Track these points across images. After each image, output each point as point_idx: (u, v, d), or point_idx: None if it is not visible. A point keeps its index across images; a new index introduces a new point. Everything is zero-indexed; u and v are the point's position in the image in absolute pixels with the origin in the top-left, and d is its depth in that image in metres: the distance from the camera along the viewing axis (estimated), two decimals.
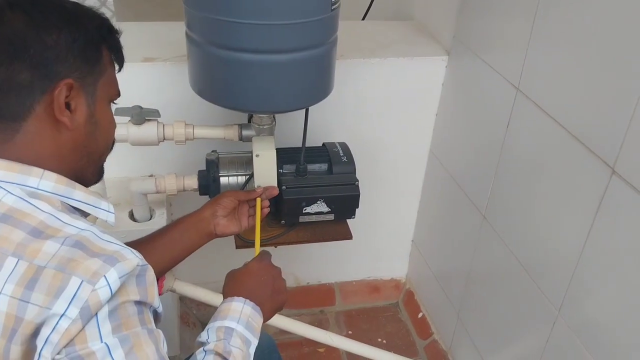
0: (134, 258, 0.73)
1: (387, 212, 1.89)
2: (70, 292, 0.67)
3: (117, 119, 1.19)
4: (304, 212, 1.39)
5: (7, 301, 0.68)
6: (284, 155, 1.41)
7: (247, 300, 0.97)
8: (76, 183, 0.81)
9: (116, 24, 0.87)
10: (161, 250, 1.17)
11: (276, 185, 1.36)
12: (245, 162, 1.41)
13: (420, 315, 1.90)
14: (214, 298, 1.39)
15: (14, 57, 0.74)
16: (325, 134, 1.65)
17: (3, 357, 0.68)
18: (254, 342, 0.94)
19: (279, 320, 1.50)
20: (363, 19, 1.93)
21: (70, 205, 0.80)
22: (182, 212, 1.67)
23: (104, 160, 0.91)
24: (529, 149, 1.28)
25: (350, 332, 1.89)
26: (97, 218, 0.86)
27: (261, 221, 1.26)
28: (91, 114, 0.82)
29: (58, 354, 0.67)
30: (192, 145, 1.44)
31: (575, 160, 1.13)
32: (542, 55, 1.22)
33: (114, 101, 0.89)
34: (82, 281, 0.68)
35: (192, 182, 1.42)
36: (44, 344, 0.67)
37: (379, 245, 1.95)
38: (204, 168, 1.42)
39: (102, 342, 0.69)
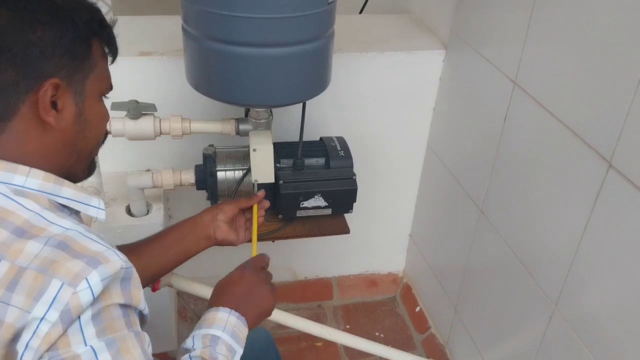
0: (118, 260, 0.71)
1: (384, 207, 1.89)
2: (50, 294, 0.66)
3: (113, 113, 1.20)
4: (301, 206, 1.39)
5: None
6: (281, 150, 1.41)
7: (233, 311, 0.96)
8: (65, 180, 0.79)
9: (110, 14, 0.85)
10: (158, 253, 1.15)
11: (273, 178, 1.35)
12: (243, 157, 1.41)
13: (417, 309, 1.91)
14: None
15: None
16: (323, 128, 1.64)
17: None
18: (239, 352, 0.93)
19: (277, 315, 1.50)
20: (360, 12, 1.92)
21: (59, 203, 0.78)
22: (178, 206, 1.69)
23: (95, 155, 0.89)
24: (526, 142, 1.28)
25: (348, 327, 1.89)
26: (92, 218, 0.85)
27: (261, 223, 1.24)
28: (79, 112, 0.79)
29: (40, 358, 0.66)
30: (188, 139, 1.44)
31: (572, 154, 1.13)
32: (539, 49, 1.22)
33: (106, 95, 0.86)
34: (62, 284, 0.66)
35: (189, 177, 1.42)
36: (25, 349, 0.66)
37: (377, 240, 1.95)
38: (201, 163, 1.42)
39: (86, 345, 0.68)
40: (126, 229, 1.44)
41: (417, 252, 1.93)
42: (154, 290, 1.25)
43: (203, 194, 1.45)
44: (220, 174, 1.39)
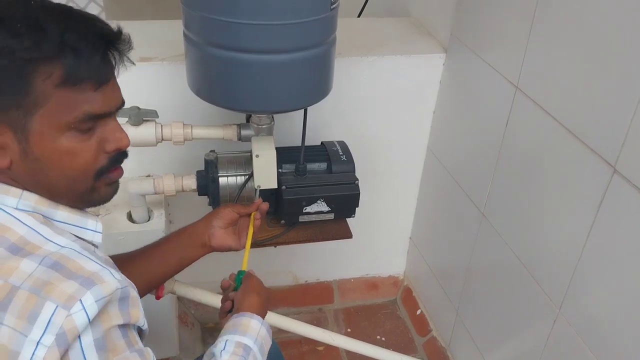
0: (113, 280, 0.70)
1: (384, 210, 1.89)
2: (44, 318, 0.65)
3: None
4: (304, 211, 1.39)
5: None
6: (283, 155, 1.41)
7: (264, 322, 0.97)
8: (60, 205, 0.77)
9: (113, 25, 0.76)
10: (156, 262, 1.15)
11: (276, 184, 1.35)
12: (245, 162, 1.40)
13: (418, 312, 1.91)
14: (215, 300, 1.39)
15: None
16: (323, 133, 1.64)
17: None
18: None
19: (280, 321, 1.50)
20: (359, 16, 1.92)
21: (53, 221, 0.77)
22: (180, 212, 1.68)
23: (90, 187, 0.79)
24: (529, 147, 1.28)
25: (349, 330, 1.89)
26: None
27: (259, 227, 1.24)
28: (25, 151, 0.71)
29: None
30: (190, 145, 1.43)
31: (576, 159, 1.13)
32: (541, 53, 1.22)
33: (85, 128, 0.74)
34: (56, 306, 0.66)
35: (191, 183, 1.42)
36: None
37: (377, 243, 1.95)
38: (202, 168, 1.41)
39: None
40: (127, 235, 1.43)
41: (417, 255, 1.93)
42: (157, 298, 1.25)
43: (204, 199, 1.44)
44: (222, 180, 1.39)
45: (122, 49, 0.77)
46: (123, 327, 0.72)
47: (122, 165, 0.84)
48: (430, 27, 1.73)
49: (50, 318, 0.65)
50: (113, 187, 0.84)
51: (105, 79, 0.74)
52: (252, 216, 1.21)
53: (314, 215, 1.41)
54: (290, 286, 1.95)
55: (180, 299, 1.86)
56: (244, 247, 1.19)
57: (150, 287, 1.16)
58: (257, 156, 1.31)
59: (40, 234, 0.72)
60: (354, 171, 1.43)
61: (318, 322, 1.90)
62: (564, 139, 1.15)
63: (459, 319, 1.68)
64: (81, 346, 0.67)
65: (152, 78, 1.47)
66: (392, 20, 1.83)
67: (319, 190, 1.38)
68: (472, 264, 1.58)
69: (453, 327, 1.72)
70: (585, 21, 1.08)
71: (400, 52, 1.61)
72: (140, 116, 1.32)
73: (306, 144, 1.40)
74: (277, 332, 1.62)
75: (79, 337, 0.67)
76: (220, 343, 0.90)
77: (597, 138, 1.07)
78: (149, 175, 1.62)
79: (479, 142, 1.49)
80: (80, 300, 0.66)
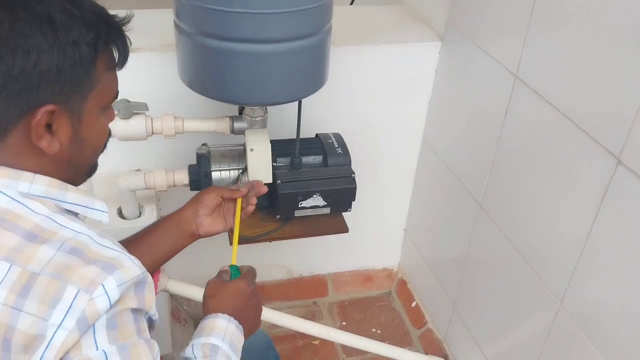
0: (133, 266, 0.71)
1: (379, 201, 1.86)
2: (66, 302, 0.65)
3: None
4: (299, 206, 1.36)
5: None
6: (278, 148, 1.37)
7: (232, 319, 0.94)
8: (68, 185, 0.78)
9: (121, 13, 0.80)
10: (142, 253, 1.09)
11: (271, 178, 1.32)
12: (238, 155, 1.37)
13: (413, 304, 1.89)
14: None
15: None
16: (317, 124, 1.61)
17: None
18: None
19: (274, 316, 1.47)
20: (351, 3, 1.88)
21: (64, 208, 0.77)
22: (170, 207, 1.62)
23: (95, 163, 0.87)
24: (529, 137, 1.26)
25: (344, 323, 1.87)
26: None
27: (249, 217, 1.20)
28: (76, 133, 0.76)
29: None
30: (182, 138, 1.39)
31: (579, 150, 1.11)
32: (542, 40, 1.19)
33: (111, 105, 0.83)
34: (78, 290, 0.66)
35: (183, 177, 1.38)
36: (42, 358, 0.65)
37: (371, 235, 1.92)
38: (194, 162, 1.37)
39: (97, 349, 0.67)
40: (118, 232, 1.38)
41: (412, 247, 1.91)
42: None
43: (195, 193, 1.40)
44: (215, 174, 1.35)
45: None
46: (135, 311, 0.72)
47: (111, 158, 0.92)
48: (425, 15, 1.70)
49: (72, 302, 0.65)
50: None
51: (124, 64, 0.83)
52: (238, 202, 1.17)
53: (309, 210, 1.38)
54: (284, 280, 1.92)
55: (173, 296, 1.82)
56: (231, 227, 1.18)
57: None
58: (251, 150, 1.27)
59: (55, 221, 0.71)
60: (350, 164, 1.40)
61: (313, 316, 1.88)
62: (566, 129, 1.13)
63: (455, 312, 1.66)
64: (94, 326, 0.67)
65: (142, 69, 1.43)
66: (385, 8, 1.79)
67: (314, 185, 1.35)
68: (469, 256, 1.56)
69: (449, 319, 1.70)
70: (590, 6, 1.05)
71: (394, 41, 1.58)
72: (130, 109, 1.28)
73: (300, 136, 1.37)
74: (271, 327, 1.61)
75: None
76: (187, 349, 0.89)
77: (600, 128, 1.05)
78: (139, 170, 1.58)
79: (477, 133, 1.47)
80: (103, 284, 0.67)
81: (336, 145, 1.42)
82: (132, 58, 1.40)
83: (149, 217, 1.44)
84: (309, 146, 1.41)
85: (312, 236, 1.43)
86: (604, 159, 1.04)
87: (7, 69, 0.68)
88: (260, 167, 1.29)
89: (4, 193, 0.72)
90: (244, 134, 1.33)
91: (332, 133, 1.47)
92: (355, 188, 1.37)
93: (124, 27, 0.80)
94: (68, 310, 0.65)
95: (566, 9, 1.11)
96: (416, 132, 1.74)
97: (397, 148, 1.76)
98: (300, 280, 1.94)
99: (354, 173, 1.38)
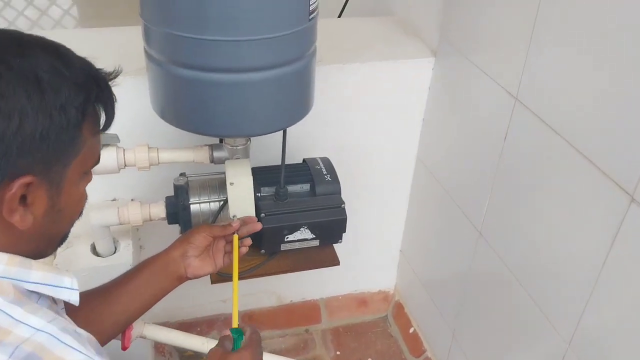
0: None
1: (372, 222, 1.77)
2: None
3: None
4: (285, 240, 1.27)
5: None
6: (261, 176, 1.28)
7: None
8: (32, 261, 0.69)
9: (116, 69, 0.74)
10: (127, 298, 1.04)
11: (254, 213, 1.22)
12: (219, 185, 1.27)
13: (411, 330, 1.80)
14: (190, 341, 1.26)
15: None
16: (304, 147, 1.51)
17: None
18: None
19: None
20: (339, 16, 1.78)
21: (26, 289, 0.67)
22: (151, 238, 1.55)
23: (69, 231, 0.79)
24: (532, 166, 1.16)
25: (338, 353, 1.78)
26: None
27: (239, 258, 1.12)
28: (52, 204, 0.68)
29: None
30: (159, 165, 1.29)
31: (588, 183, 1.01)
32: (546, 59, 1.09)
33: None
34: None
35: (159, 211, 1.28)
36: None
37: (365, 257, 1.83)
38: (172, 192, 1.28)
39: None
40: (91, 271, 1.30)
41: (408, 269, 1.81)
42: (124, 348, 1.12)
43: (176, 227, 1.31)
44: (194, 207, 1.26)
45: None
46: None
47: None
48: (417, 28, 1.60)
49: None
50: None
51: (110, 124, 0.75)
52: (235, 239, 1.10)
53: (297, 243, 1.29)
54: (274, 307, 1.83)
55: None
56: (221, 268, 1.11)
57: (127, 322, 1.07)
58: (231, 184, 1.18)
59: (10, 316, 0.62)
60: (340, 192, 1.30)
61: (305, 345, 1.79)
62: (574, 161, 1.03)
63: (455, 341, 1.57)
64: None
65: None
66: (375, 20, 1.70)
67: (301, 217, 1.25)
68: (468, 284, 1.47)
69: (449, 349, 1.61)
70: (600, 22, 0.95)
71: (384, 58, 1.48)
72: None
73: (287, 161, 1.27)
74: None
75: None
76: None
77: (612, 162, 0.96)
78: (114, 199, 1.48)
79: (474, 157, 1.38)
80: None
81: (324, 172, 1.33)
82: (122, 71, 1.33)
83: (125, 253, 1.34)
84: (296, 173, 1.32)
85: (299, 270, 1.34)
86: (614, 193, 0.95)
87: None
88: (242, 201, 1.20)
89: None
90: (224, 163, 1.24)
91: (320, 158, 1.37)
92: (345, 219, 1.28)
93: (111, 82, 0.74)
94: None
95: (574, 23, 1.01)
96: (410, 151, 1.65)
97: (390, 167, 1.67)
98: (291, 307, 1.84)
99: (343, 203, 1.28)
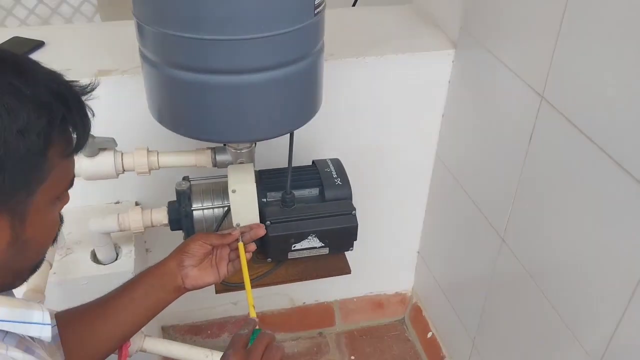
0: None
1: (389, 222, 1.69)
2: None
3: None
4: (292, 249, 1.19)
5: None
6: (267, 180, 1.21)
7: None
8: None
9: (93, 79, 0.67)
10: (122, 312, 0.98)
11: (258, 220, 1.15)
12: (223, 190, 1.20)
13: (429, 334, 1.72)
14: (193, 353, 1.20)
15: None
16: (315, 146, 1.44)
17: None
18: None
19: None
20: (354, 4, 1.69)
21: None
22: (158, 241, 1.49)
23: (40, 260, 0.72)
24: (560, 171, 1.07)
25: (353, 358, 1.71)
26: None
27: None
28: (16, 236, 0.61)
29: None
30: None
31: (620, 191, 0.92)
32: (576, 55, 0.99)
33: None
34: None
35: (162, 217, 1.22)
36: None
37: (382, 257, 1.75)
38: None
39: None
40: (92, 279, 1.24)
41: (426, 271, 1.73)
42: None
43: (180, 234, 1.24)
44: (197, 213, 1.19)
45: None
46: None
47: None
48: (436, 17, 1.50)
49: None
50: None
51: (82, 146, 0.67)
52: (241, 247, 1.04)
53: (305, 252, 1.21)
54: (287, 309, 1.77)
55: (165, 330, 1.68)
56: (225, 278, 1.05)
57: (125, 337, 1.00)
58: (233, 191, 1.11)
59: None
60: (351, 197, 1.22)
61: (318, 349, 1.73)
62: (605, 166, 0.94)
63: (475, 350, 1.49)
64: None
65: (111, 95, 1.26)
66: (391, 9, 1.60)
67: (309, 225, 1.17)
68: (490, 294, 1.38)
69: (469, 357, 1.53)
70: (633, 20, 0.85)
71: (401, 50, 1.39)
72: (95, 146, 1.12)
73: (296, 163, 1.20)
74: None
75: None
76: None
77: None
78: (117, 202, 1.43)
79: (498, 158, 1.28)
80: None
81: (335, 175, 1.24)
82: (101, 83, 1.26)
83: (126, 260, 1.29)
84: (304, 177, 1.23)
85: (308, 279, 1.27)
86: None
87: None
88: (245, 209, 1.13)
89: None
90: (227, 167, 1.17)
91: (330, 159, 1.29)
92: (356, 227, 1.20)
93: (85, 97, 0.66)
94: None
95: (606, 19, 0.91)
96: (429, 148, 1.56)
97: (408, 164, 1.58)
98: (304, 309, 1.78)
99: (354, 209, 1.20)
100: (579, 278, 1.05)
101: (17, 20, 2.31)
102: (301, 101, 1.05)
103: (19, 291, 1.09)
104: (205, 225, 1.20)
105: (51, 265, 1.17)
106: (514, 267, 1.25)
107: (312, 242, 1.19)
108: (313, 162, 1.29)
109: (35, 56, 1.30)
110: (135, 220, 1.20)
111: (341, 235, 1.20)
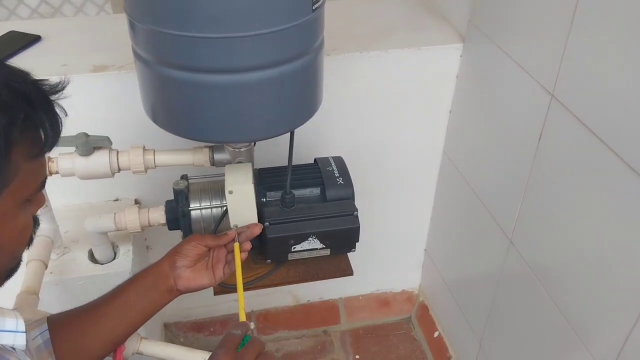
0: None
1: (395, 219, 1.65)
2: None
3: (60, 149, 0.98)
4: (293, 250, 1.16)
5: None
6: (267, 179, 1.17)
7: None
8: None
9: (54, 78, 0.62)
10: (114, 315, 0.95)
11: (256, 221, 1.12)
12: (221, 190, 1.16)
13: (436, 334, 1.68)
14: (190, 356, 1.18)
15: None
16: (318, 144, 1.40)
17: None
18: None
19: None
20: None
21: None
22: (159, 237, 1.46)
23: (16, 263, 0.69)
24: (571, 172, 1.02)
25: (357, 357, 1.68)
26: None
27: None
28: None
29: None
30: None
31: (634, 195, 0.87)
32: (588, 52, 0.94)
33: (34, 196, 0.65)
34: None
35: (159, 216, 1.19)
36: None
37: (388, 255, 1.72)
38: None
39: None
40: (89, 279, 1.22)
41: (433, 269, 1.69)
42: None
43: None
44: (195, 213, 1.16)
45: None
46: None
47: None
48: (443, 9, 1.45)
49: None
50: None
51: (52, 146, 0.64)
52: (236, 248, 1.00)
53: (305, 253, 1.18)
54: (291, 307, 1.74)
55: (167, 327, 1.66)
56: (221, 280, 1.01)
57: (118, 341, 0.97)
58: (230, 192, 1.07)
59: None
60: (353, 198, 1.18)
61: (323, 347, 1.70)
62: (617, 170, 0.89)
63: (482, 352, 1.45)
64: None
65: (106, 92, 1.23)
66: (397, 1, 1.55)
67: (309, 226, 1.14)
68: (497, 296, 1.34)
69: (476, 358, 1.50)
70: None
71: (407, 44, 1.34)
72: (90, 144, 1.09)
73: (297, 160, 1.16)
74: None
75: None
76: None
77: None
78: (117, 199, 1.40)
79: (506, 157, 1.24)
80: None
81: (337, 175, 1.21)
82: (96, 79, 1.23)
83: (124, 260, 1.27)
84: (305, 176, 1.20)
85: (309, 281, 1.23)
86: None
87: None
88: (243, 210, 1.09)
89: None
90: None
91: (332, 157, 1.25)
92: (358, 228, 1.16)
93: (55, 96, 0.63)
94: None
95: (620, 14, 0.86)
96: (435, 145, 1.52)
97: (414, 161, 1.54)
98: (308, 307, 1.75)
99: (356, 210, 1.16)
100: (588, 281, 1.01)
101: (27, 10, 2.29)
102: (299, 100, 1.01)
103: (12, 292, 1.07)
104: (203, 225, 1.17)
105: (46, 266, 1.15)
106: (522, 268, 1.21)
107: (313, 243, 1.16)
108: (315, 160, 1.25)
109: (31, 51, 1.29)
110: (132, 220, 1.18)
111: (342, 237, 1.17)
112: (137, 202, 1.42)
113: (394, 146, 1.49)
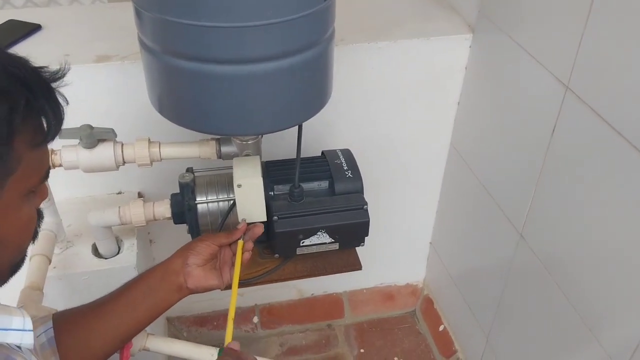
0: None
1: (401, 212, 1.63)
2: None
3: (63, 141, 0.96)
4: (301, 244, 1.14)
5: None
6: (275, 172, 1.15)
7: None
8: None
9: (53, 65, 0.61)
10: (121, 313, 0.93)
11: (265, 217, 1.10)
12: (228, 183, 1.15)
13: (441, 328, 1.67)
14: (197, 352, 1.16)
15: None
16: (325, 136, 1.38)
17: None
18: None
19: None
20: None
21: None
22: (163, 231, 1.44)
23: (21, 258, 0.67)
24: (586, 166, 1.00)
25: (362, 351, 1.67)
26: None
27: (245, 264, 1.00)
28: None
29: None
30: None
31: None
32: (605, 42, 0.92)
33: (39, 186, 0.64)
34: None
35: (164, 210, 1.17)
36: None
37: (393, 248, 1.70)
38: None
39: None
40: (93, 274, 1.20)
41: (439, 262, 1.68)
42: None
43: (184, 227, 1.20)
44: (202, 207, 1.14)
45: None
46: None
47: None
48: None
49: None
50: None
51: (55, 134, 0.63)
52: (239, 247, 0.98)
53: (314, 247, 1.16)
54: (295, 300, 1.72)
55: (170, 321, 1.65)
56: (228, 283, 0.98)
57: (125, 339, 0.96)
58: (239, 186, 1.05)
59: None
60: (362, 191, 1.17)
61: (327, 341, 1.68)
62: (634, 160, 0.88)
63: (489, 347, 1.44)
64: None
65: (110, 84, 1.21)
66: None
67: (318, 220, 1.12)
68: (506, 290, 1.33)
69: (482, 353, 1.48)
70: None
71: (416, 35, 1.32)
72: (93, 137, 1.07)
73: (305, 153, 1.14)
74: None
75: None
76: None
77: None
78: (120, 192, 1.38)
79: (516, 150, 1.22)
80: None
81: (345, 168, 1.19)
82: (100, 70, 1.21)
83: (129, 254, 1.24)
84: (313, 168, 1.18)
85: (317, 276, 1.22)
86: None
87: None
88: (251, 204, 1.07)
89: None
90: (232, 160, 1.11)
91: (340, 150, 1.23)
92: (368, 222, 1.14)
93: (56, 84, 0.61)
94: None
95: (638, 4, 0.84)
96: (443, 137, 1.50)
97: (421, 154, 1.52)
98: (312, 301, 1.73)
99: (366, 204, 1.14)
100: (603, 276, 0.99)
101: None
102: (309, 92, 0.98)
103: (16, 288, 1.05)
104: (210, 219, 1.15)
105: (50, 261, 1.13)
106: (533, 263, 1.19)
107: (322, 237, 1.14)
108: (322, 152, 1.23)
109: (31, 40, 1.26)
110: (136, 213, 1.15)
111: (352, 231, 1.15)
112: (140, 195, 1.39)
113: (400, 138, 1.47)
